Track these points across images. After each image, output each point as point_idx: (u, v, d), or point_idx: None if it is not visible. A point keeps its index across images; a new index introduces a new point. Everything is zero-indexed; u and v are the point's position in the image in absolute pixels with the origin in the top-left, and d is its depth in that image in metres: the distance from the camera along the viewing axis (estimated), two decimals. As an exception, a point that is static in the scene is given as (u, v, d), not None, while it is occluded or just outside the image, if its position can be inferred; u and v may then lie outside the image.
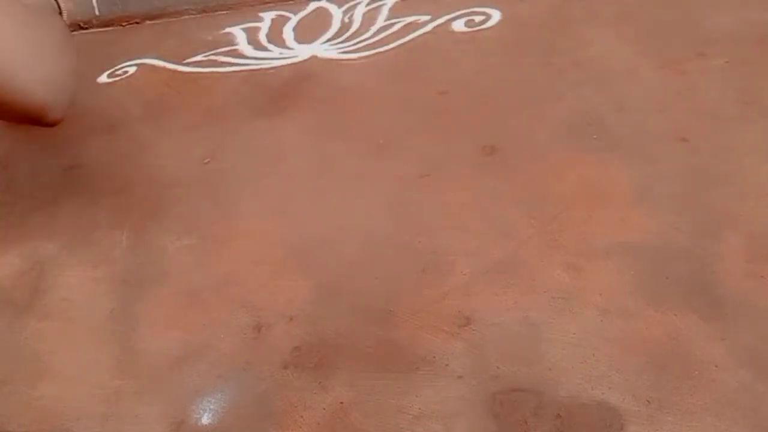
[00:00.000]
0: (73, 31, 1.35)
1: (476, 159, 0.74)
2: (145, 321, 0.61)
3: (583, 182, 0.67)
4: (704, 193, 0.63)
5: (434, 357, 0.52)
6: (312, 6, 1.20)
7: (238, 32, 1.16)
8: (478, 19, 1.04)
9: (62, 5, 0.69)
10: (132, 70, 1.11)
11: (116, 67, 1.13)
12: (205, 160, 0.83)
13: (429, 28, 1.05)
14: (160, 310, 0.62)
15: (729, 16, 0.91)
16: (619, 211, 0.63)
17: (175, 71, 1.08)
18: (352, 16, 1.14)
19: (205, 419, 0.51)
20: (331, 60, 1.02)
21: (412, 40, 1.02)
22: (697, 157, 0.68)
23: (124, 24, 1.31)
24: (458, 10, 1.08)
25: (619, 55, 0.87)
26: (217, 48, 1.12)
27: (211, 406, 0.52)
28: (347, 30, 1.10)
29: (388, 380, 0.51)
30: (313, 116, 0.88)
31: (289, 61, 1.04)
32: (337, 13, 1.17)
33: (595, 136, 0.73)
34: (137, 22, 1.30)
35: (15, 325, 0.64)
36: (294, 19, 1.17)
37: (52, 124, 0.65)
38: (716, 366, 0.48)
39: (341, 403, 0.50)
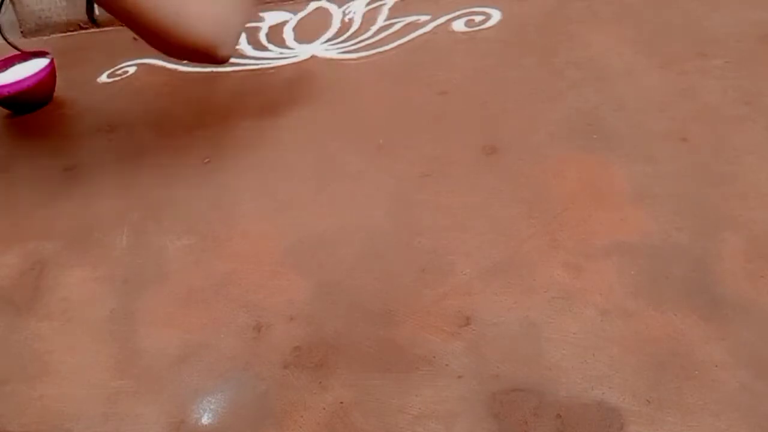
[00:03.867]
0: (72, 31, 1.35)
1: (476, 159, 0.74)
2: (145, 321, 0.61)
3: (583, 182, 0.67)
4: (704, 193, 0.63)
5: (434, 357, 0.52)
6: (312, 6, 1.20)
7: (238, 32, 1.16)
8: (478, 19, 1.05)
9: None
10: (132, 70, 1.11)
11: (116, 67, 1.13)
12: (205, 160, 0.83)
13: (429, 28, 1.05)
14: (160, 310, 0.62)
15: (729, 16, 0.91)
16: (619, 211, 0.63)
17: (175, 71, 1.08)
18: (352, 15, 1.14)
19: (205, 419, 0.51)
20: (331, 60, 1.02)
21: (412, 40, 1.03)
22: (697, 157, 0.68)
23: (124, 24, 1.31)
24: (458, 10, 1.08)
25: (619, 55, 0.88)
26: (217, 48, 1.12)
27: (211, 406, 0.52)
28: (347, 30, 1.10)
29: (388, 380, 0.51)
30: (313, 116, 0.88)
31: (289, 61, 1.04)
32: (337, 12, 1.17)
33: (595, 136, 0.73)
34: (137, 22, 1.29)
35: (15, 325, 0.64)
36: (294, 19, 1.17)
37: (222, 61, 0.72)
38: (716, 366, 0.48)
39: (341, 403, 0.50)
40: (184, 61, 0.75)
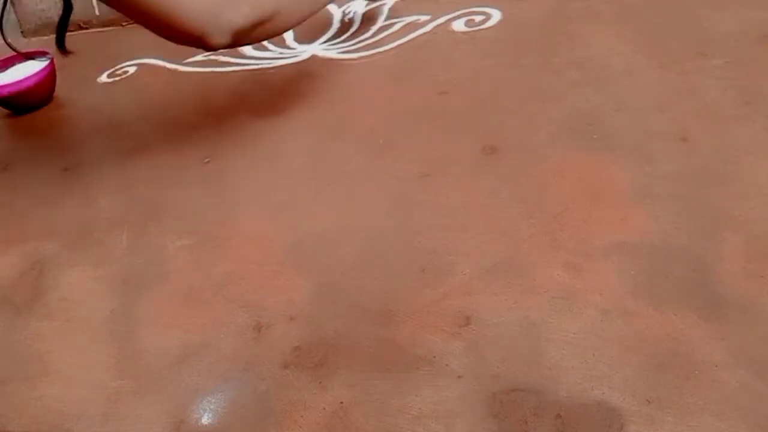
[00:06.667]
0: (73, 31, 1.35)
1: (476, 159, 0.74)
2: (145, 321, 0.61)
3: (583, 182, 0.67)
4: (704, 193, 0.63)
5: (434, 357, 0.52)
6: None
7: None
8: (478, 18, 1.05)
9: None
10: (132, 70, 1.11)
11: (116, 67, 1.13)
12: (205, 160, 0.83)
13: (429, 28, 1.05)
14: (160, 310, 0.62)
15: (729, 16, 0.91)
16: (619, 211, 0.63)
17: (175, 71, 1.08)
18: (352, 15, 1.14)
19: (205, 419, 0.51)
20: (331, 60, 1.02)
21: (412, 40, 1.03)
22: (697, 157, 0.68)
23: (124, 24, 1.31)
24: (458, 10, 1.08)
25: (619, 55, 0.87)
26: (217, 48, 1.12)
27: (211, 406, 0.52)
28: (347, 30, 1.10)
29: (388, 380, 0.51)
30: (313, 116, 0.88)
31: (289, 61, 1.04)
32: (337, 12, 1.17)
33: (595, 136, 0.73)
34: (137, 22, 1.30)
35: (15, 325, 0.64)
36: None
37: (215, 48, 0.75)
38: (716, 366, 0.48)
39: (341, 403, 0.50)
40: (183, 46, 0.77)
